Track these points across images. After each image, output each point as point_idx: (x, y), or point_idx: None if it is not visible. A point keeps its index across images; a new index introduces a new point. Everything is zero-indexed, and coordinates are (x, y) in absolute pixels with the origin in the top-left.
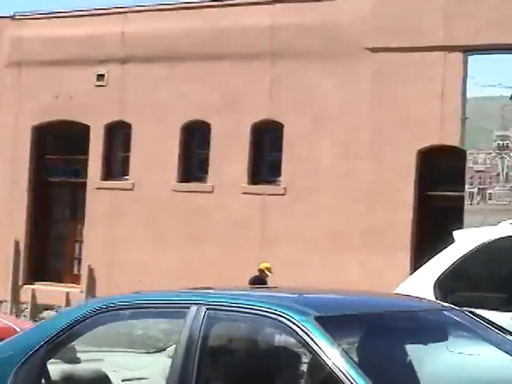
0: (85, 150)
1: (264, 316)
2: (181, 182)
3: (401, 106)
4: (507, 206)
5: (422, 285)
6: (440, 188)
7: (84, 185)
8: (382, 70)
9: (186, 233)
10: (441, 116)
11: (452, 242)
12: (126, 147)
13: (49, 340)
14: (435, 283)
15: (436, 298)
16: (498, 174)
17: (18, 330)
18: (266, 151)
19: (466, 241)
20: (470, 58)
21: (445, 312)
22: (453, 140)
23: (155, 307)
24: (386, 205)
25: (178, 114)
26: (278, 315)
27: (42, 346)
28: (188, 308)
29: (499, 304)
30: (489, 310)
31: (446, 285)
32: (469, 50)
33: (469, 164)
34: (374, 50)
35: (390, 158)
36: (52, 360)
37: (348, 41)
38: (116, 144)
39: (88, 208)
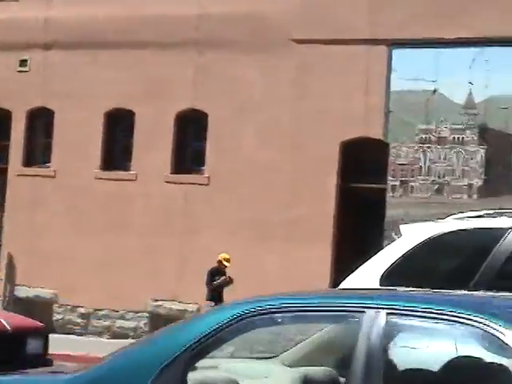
0: (6, 136)
1: (464, 323)
2: (103, 169)
3: (325, 98)
4: (429, 199)
5: (367, 279)
6: (362, 180)
7: (5, 171)
8: (306, 61)
9: (109, 221)
10: (364, 109)
11: (399, 236)
12: (49, 134)
13: (188, 348)
14: (381, 277)
15: None
16: (421, 168)
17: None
18: (189, 140)
19: (412, 235)
20: (395, 52)
21: None
22: (376, 133)
23: (318, 311)
24: (308, 196)
25: (101, 101)
26: (484, 324)
27: (179, 355)
28: (362, 312)
29: None
30: None
31: (392, 279)
32: (393, 44)
33: (391, 157)
34: (300, 41)
35: (313, 150)
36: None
37: (274, 32)
38: (38, 131)
39: (9, 195)
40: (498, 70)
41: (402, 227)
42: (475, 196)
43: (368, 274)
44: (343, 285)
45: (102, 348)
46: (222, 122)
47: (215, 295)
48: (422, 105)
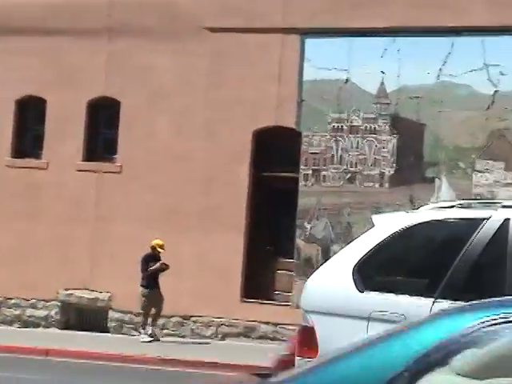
0: None
1: None
2: (14, 157)
3: (238, 87)
4: (341, 187)
5: (339, 270)
6: (275, 169)
7: None
8: (220, 50)
9: (20, 210)
10: (277, 98)
11: (371, 227)
12: None
13: (412, 365)
14: (354, 268)
15: (355, 283)
16: (333, 156)
17: None
18: (101, 128)
19: (385, 225)
20: (307, 41)
21: None
22: (289, 122)
23: None
24: (221, 185)
25: (12, 88)
26: None
27: (400, 373)
28: None
29: (421, 289)
30: (410, 295)
31: (365, 270)
32: (306, 33)
33: (304, 146)
34: (213, 29)
35: (226, 139)
36: None
37: (187, 20)
38: None
39: None
40: (409, 59)
41: (374, 217)
42: (387, 185)
43: (340, 265)
44: (314, 276)
45: (12, 337)
46: (135, 109)
47: (151, 281)
48: (335, 94)
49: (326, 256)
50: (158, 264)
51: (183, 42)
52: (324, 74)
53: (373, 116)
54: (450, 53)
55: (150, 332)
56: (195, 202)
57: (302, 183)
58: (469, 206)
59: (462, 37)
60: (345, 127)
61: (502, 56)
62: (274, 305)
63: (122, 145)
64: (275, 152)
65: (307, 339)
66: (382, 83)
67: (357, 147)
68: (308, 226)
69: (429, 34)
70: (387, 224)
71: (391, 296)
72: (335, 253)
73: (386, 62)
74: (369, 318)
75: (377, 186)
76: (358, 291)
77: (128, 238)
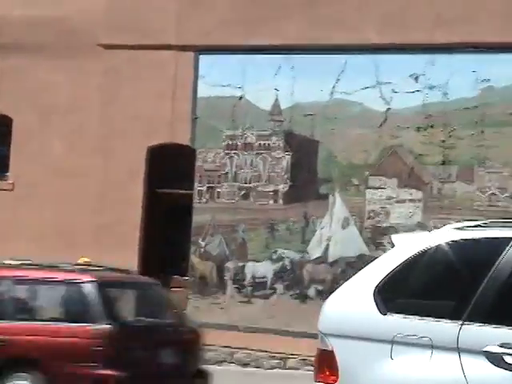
0: None
1: None
2: None
3: (132, 104)
4: (235, 204)
5: (359, 292)
6: (170, 186)
7: None
8: (114, 66)
9: None
10: (172, 114)
11: (391, 246)
12: None
13: None
14: (375, 290)
15: (376, 306)
16: (227, 173)
17: None
18: None
19: (406, 245)
20: (201, 58)
21: None
22: (183, 138)
23: None
24: (115, 202)
25: None
26: None
27: None
28: None
29: (447, 312)
30: (436, 318)
31: (386, 291)
32: (200, 50)
33: (198, 162)
34: (107, 46)
35: (120, 155)
36: None
37: (80, 36)
38: None
39: None
40: (303, 77)
41: (394, 237)
42: (281, 201)
43: (359, 287)
44: (332, 299)
45: None
46: (28, 127)
47: None
48: (229, 111)
49: (221, 273)
50: None
51: (77, 58)
52: (218, 91)
53: (267, 133)
54: (343, 70)
55: None
56: (89, 220)
57: (196, 200)
58: (495, 226)
59: (354, 55)
60: (239, 144)
61: (394, 74)
62: None
63: (14, 162)
64: (170, 169)
65: (327, 363)
66: (276, 100)
67: (251, 164)
68: (202, 243)
69: (322, 52)
70: (408, 244)
71: (415, 319)
72: (229, 270)
73: (280, 80)
74: (392, 342)
75: (271, 202)
76: (380, 313)
77: (21, 257)
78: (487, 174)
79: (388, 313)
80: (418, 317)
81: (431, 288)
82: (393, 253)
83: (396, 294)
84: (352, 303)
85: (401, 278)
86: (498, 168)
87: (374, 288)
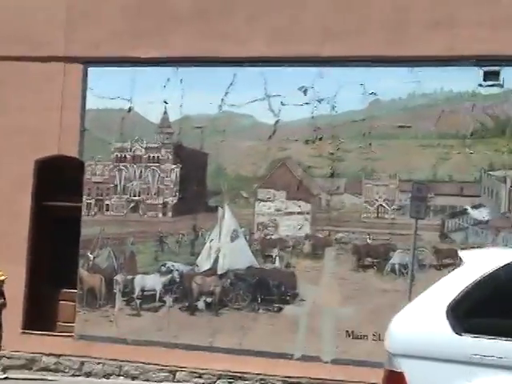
0: None
1: None
2: None
3: (20, 116)
4: (124, 217)
5: (429, 311)
6: (58, 198)
7: None
8: (1, 78)
9: None
10: (60, 126)
11: (461, 264)
12: None
13: None
14: (447, 308)
15: (450, 325)
16: (116, 186)
17: None
18: None
19: (478, 262)
20: (90, 70)
21: None
22: (71, 151)
23: None
24: (2, 215)
25: None
26: None
27: None
28: None
29: None
30: (508, 337)
31: (460, 310)
32: (89, 62)
33: (87, 175)
34: None
35: (7, 168)
36: None
37: None
38: None
39: None
40: (192, 89)
41: (462, 254)
42: (170, 214)
43: (429, 306)
44: (400, 318)
45: None
46: None
47: None
48: (118, 123)
49: (110, 286)
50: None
51: None
52: (107, 103)
53: (156, 145)
54: (232, 83)
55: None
56: None
57: (84, 213)
58: None
59: (243, 67)
60: (128, 156)
61: (283, 87)
62: (57, 336)
63: None
64: (58, 181)
65: None
66: (165, 113)
67: (140, 176)
68: (91, 256)
69: (211, 65)
70: (480, 261)
71: (494, 339)
72: (118, 282)
73: (169, 92)
74: (469, 363)
75: (160, 215)
76: (454, 333)
77: None
78: (375, 186)
79: (463, 333)
80: (496, 337)
81: (505, 307)
82: (463, 270)
83: (471, 313)
84: (422, 323)
85: (475, 296)
86: (385, 180)
87: (445, 307)
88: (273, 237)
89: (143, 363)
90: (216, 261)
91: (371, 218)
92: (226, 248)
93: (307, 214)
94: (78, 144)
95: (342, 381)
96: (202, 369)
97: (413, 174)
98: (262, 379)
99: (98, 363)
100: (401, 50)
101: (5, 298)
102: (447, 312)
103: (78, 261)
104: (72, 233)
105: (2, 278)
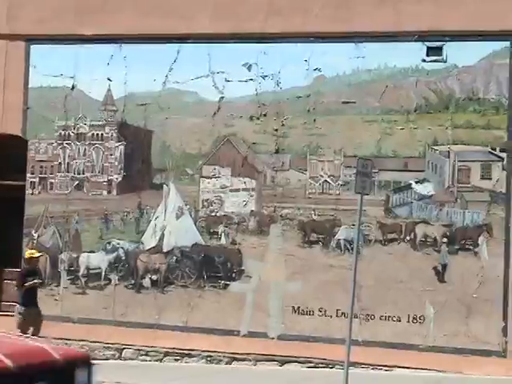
0: None
1: None
2: None
3: None
4: (68, 195)
5: None
6: (1, 177)
7: None
8: None
9: None
10: (3, 105)
11: None
12: None
13: None
14: None
15: None
16: (60, 164)
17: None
18: None
19: None
20: (33, 48)
21: None
22: (14, 129)
23: None
24: None
25: None
26: None
27: None
28: None
29: None
30: None
31: None
32: (31, 40)
33: (30, 153)
34: None
35: None
36: None
37: None
38: None
39: None
40: (136, 66)
41: None
42: (115, 192)
43: None
44: None
45: None
46: None
47: (26, 298)
48: (61, 101)
49: (55, 264)
50: (35, 281)
51: None
52: (50, 81)
53: (100, 123)
54: (175, 60)
55: None
56: None
57: (28, 191)
58: None
59: (187, 44)
60: (72, 134)
61: (227, 63)
62: (1, 315)
63: None
64: (1, 160)
65: None
66: (109, 90)
67: (84, 154)
68: (35, 235)
69: (155, 41)
70: None
71: None
72: (63, 261)
73: (113, 70)
74: None
75: (105, 193)
76: None
77: None
78: (320, 162)
79: None
80: None
81: None
82: None
83: None
84: None
85: None
86: (330, 156)
87: None
88: (218, 214)
89: (89, 341)
90: (161, 238)
91: (316, 193)
92: (171, 225)
93: (252, 190)
94: (21, 122)
95: (288, 356)
96: (149, 346)
97: (357, 149)
98: (208, 356)
99: None
100: (345, 26)
101: (40, 277)
102: None
103: (22, 240)
104: (15, 212)
105: (37, 254)
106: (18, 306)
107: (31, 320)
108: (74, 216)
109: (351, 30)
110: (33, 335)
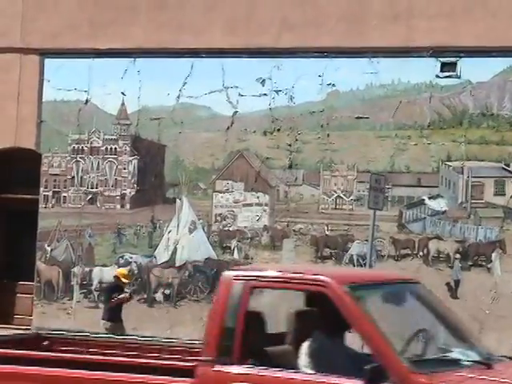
0: None
1: None
2: None
3: None
4: (81, 209)
5: None
6: (15, 191)
7: None
8: None
9: None
10: (17, 118)
11: None
12: None
13: None
14: None
15: None
16: (73, 178)
17: None
18: None
19: None
20: (47, 62)
21: None
22: (29, 143)
23: None
24: None
25: None
26: None
27: None
28: None
29: None
30: None
31: None
32: (46, 54)
33: (44, 167)
34: None
35: None
36: None
37: None
38: None
39: None
40: (149, 80)
41: None
42: (128, 206)
43: None
44: None
45: None
46: None
47: (112, 313)
48: (75, 115)
49: (68, 278)
50: (122, 295)
51: None
52: (64, 95)
53: (113, 137)
54: (189, 74)
55: None
56: None
57: (42, 205)
58: None
59: (201, 58)
60: (85, 148)
61: (240, 78)
62: (14, 329)
63: None
64: (15, 173)
65: None
66: (123, 104)
67: (97, 168)
68: (48, 248)
69: (169, 56)
70: None
71: None
72: (76, 275)
73: (127, 83)
74: None
75: (118, 207)
76: None
77: None
78: (333, 177)
79: None
80: None
81: None
82: None
83: None
84: None
85: None
86: (343, 171)
87: None
88: (231, 228)
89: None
90: (174, 252)
91: (329, 209)
92: (184, 240)
93: (265, 205)
94: (35, 136)
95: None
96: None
97: (371, 164)
98: None
99: None
100: (359, 42)
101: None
102: None
103: (35, 253)
104: (29, 225)
105: (127, 281)
106: (103, 321)
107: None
108: (87, 230)
109: (365, 46)
110: None
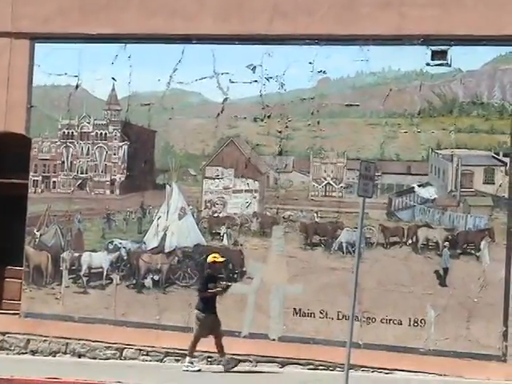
0: None
1: None
2: None
3: None
4: (71, 194)
5: None
6: (4, 175)
7: None
8: None
9: None
10: (6, 103)
11: None
12: None
13: None
14: None
15: None
16: (63, 163)
17: None
18: None
19: None
20: (37, 46)
21: None
22: (18, 127)
23: None
24: None
25: None
26: None
27: None
28: None
29: None
30: None
31: None
32: (35, 38)
33: (34, 152)
34: None
35: None
36: None
37: None
38: None
39: None
40: (140, 66)
41: None
42: (118, 191)
43: None
44: None
45: None
46: None
47: (206, 305)
48: (65, 100)
49: (57, 263)
50: (222, 284)
51: None
52: (54, 80)
53: (103, 122)
54: (180, 60)
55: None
56: None
57: (31, 190)
58: None
59: (192, 45)
60: (75, 133)
61: (231, 64)
62: (2, 313)
63: None
64: (5, 158)
65: None
66: (113, 90)
67: (87, 154)
68: (38, 233)
69: (160, 41)
70: None
71: None
72: (65, 260)
73: (117, 69)
74: None
75: (108, 192)
76: None
77: None
78: (323, 164)
79: None
80: None
81: None
82: None
83: None
84: None
85: None
86: (333, 158)
87: None
88: (220, 215)
89: (90, 341)
90: (163, 238)
91: (319, 196)
92: (173, 226)
93: (255, 191)
94: (24, 121)
95: (289, 358)
96: (150, 346)
97: (361, 152)
98: (209, 356)
99: (44, 341)
100: (350, 29)
101: (222, 283)
102: None
103: (24, 238)
104: (18, 210)
105: (221, 259)
106: (197, 311)
107: (209, 327)
108: (77, 215)
109: (356, 33)
110: (216, 344)
